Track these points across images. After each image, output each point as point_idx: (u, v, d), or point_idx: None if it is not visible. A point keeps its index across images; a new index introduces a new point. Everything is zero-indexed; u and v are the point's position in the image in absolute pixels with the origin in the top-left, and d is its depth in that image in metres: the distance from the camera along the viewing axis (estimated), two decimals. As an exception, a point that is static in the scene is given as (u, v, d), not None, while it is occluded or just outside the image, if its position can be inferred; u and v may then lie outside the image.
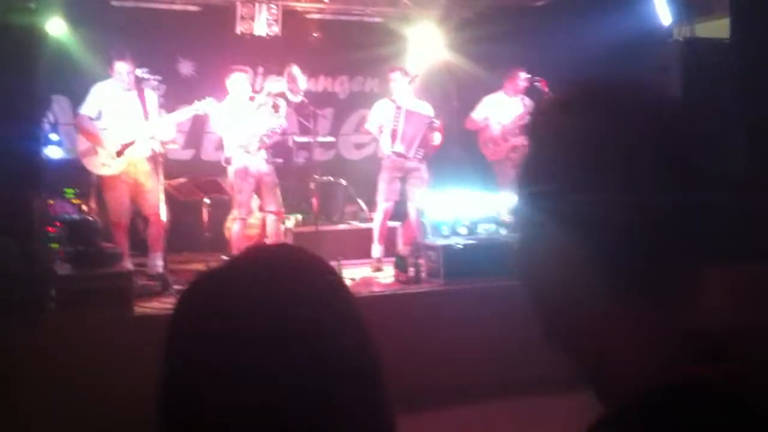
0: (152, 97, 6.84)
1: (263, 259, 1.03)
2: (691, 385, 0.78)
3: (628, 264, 0.81)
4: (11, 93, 6.14)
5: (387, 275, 6.90)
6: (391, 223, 7.68)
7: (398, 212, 7.61)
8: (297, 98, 7.04)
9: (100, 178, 6.85)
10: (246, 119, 6.89)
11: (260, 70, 9.09)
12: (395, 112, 7.30)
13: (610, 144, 0.84)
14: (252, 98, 7.02)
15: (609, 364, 0.85)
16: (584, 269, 0.83)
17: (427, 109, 7.51)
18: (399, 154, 7.29)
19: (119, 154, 6.67)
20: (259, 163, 7.01)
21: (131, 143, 6.69)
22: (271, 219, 7.11)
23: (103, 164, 6.68)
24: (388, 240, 7.55)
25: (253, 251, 1.09)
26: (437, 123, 7.37)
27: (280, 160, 7.41)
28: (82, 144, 6.79)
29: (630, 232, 0.81)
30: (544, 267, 0.88)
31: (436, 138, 7.39)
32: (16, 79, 6.25)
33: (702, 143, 0.86)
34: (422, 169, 7.39)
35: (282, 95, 7.06)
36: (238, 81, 7.04)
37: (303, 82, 7.01)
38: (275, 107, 7.00)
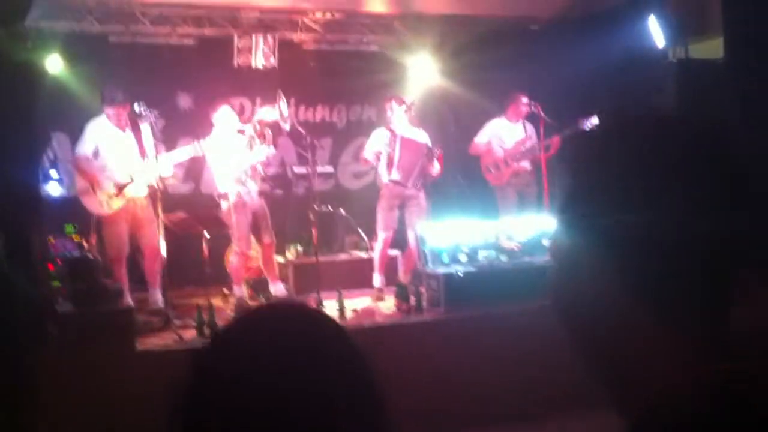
0: (148, 132, 6.82)
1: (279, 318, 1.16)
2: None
3: (681, 286, 0.84)
4: (11, 130, 6.17)
5: (389, 305, 6.89)
6: (392, 252, 7.68)
7: (398, 241, 7.61)
8: (286, 126, 7.04)
9: (99, 215, 6.85)
10: (236, 152, 6.90)
11: (258, 101, 9.14)
12: (392, 140, 7.32)
13: (661, 169, 0.87)
14: (241, 131, 7.02)
15: (649, 385, 0.87)
16: (631, 291, 0.86)
17: (423, 137, 7.54)
18: (397, 182, 7.30)
19: (118, 194, 6.66)
20: (254, 196, 7.02)
21: (129, 183, 6.69)
22: (267, 251, 7.12)
23: (101, 203, 6.66)
24: (389, 269, 7.55)
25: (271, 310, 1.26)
26: (437, 152, 7.38)
27: (279, 191, 7.43)
28: (80, 183, 6.77)
29: (688, 254, 0.83)
30: (587, 290, 0.91)
31: (436, 167, 7.40)
32: (15, 116, 6.29)
33: (751, 164, 0.89)
34: (421, 196, 7.39)
35: (275, 124, 7.07)
36: (224, 114, 7.05)
37: (285, 110, 6.99)
38: (262, 137, 6.99)
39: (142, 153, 6.75)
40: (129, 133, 6.80)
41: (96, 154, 6.70)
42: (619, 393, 0.91)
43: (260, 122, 7.03)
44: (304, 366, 1.04)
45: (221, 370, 1.06)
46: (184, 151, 7.01)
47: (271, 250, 7.16)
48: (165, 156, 6.81)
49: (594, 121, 7.83)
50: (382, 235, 7.35)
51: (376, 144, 7.46)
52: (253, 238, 7.17)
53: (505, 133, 8.35)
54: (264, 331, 1.10)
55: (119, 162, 6.72)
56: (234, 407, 1.01)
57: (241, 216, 6.88)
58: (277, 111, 6.93)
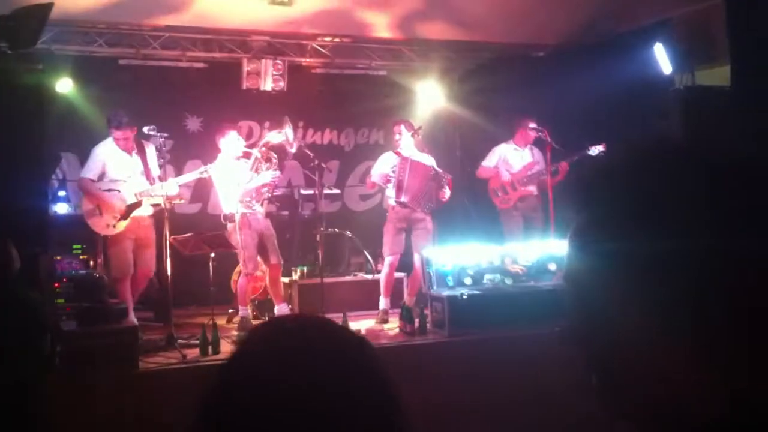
0: (153, 155, 6.90)
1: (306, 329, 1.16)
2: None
3: (703, 308, 0.85)
4: (22, 151, 6.26)
5: (393, 326, 6.89)
6: (397, 274, 7.69)
7: (405, 263, 7.62)
8: (291, 150, 7.12)
9: (105, 235, 6.88)
10: (242, 175, 6.97)
11: (266, 124, 9.22)
12: (401, 164, 7.37)
13: (682, 194, 0.89)
14: (247, 154, 7.09)
15: (672, 404, 0.88)
16: (647, 316, 0.87)
17: (430, 161, 7.58)
18: (404, 205, 7.33)
19: (124, 216, 6.70)
20: (258, 218, 7.08)
21: (136, 205, 6.72)
22: (274, 271, 7.15)
23: (107, 225, 6.70)
24: (395, 291, 7.55)
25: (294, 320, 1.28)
26: (446, 177, 7.43)
27: (285, 213, 7.46)
28: (87, 205, 6.80)
29: (710, 278, 0.85)
30: (606, 314, 0.92)
31: (446, 192, 7.44)
32: (26, 137, 6.38)
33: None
34: (428, 220, 7.41)
35: (281, 148, 7.14)
36: (231, 139, 7.13)
37: (291, 132, 7.08)
38: (268, 160, 7.07)
39: (148, 175, 6.81)
40: (135, 156, 6.86)
41: (102, 176, 6.75)
42: (639, 417, 0.92)
43: (266, 145, 7.10)
44: (328, 374, 1.05)
45: (246, 380, 1.06)
46: (191, 175, 7.08)
47: (277, 271, 7.19)
48: (172, 180, 6.86)
49: (600, 147, 7.87)
50: (388, 259, 7.37)
51: (383, 167, 7.51)
52: (260, 259, 7.20)
53: (513, 158, 8.39)
54: (289, 340, 1.11)
55: (125, 184, 6.76)
56: (259, 416, 1.01)
57: (248, 237, 6.92)
58: (284, 135, 7.00)
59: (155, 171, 6.81)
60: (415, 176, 7.36)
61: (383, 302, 7.38)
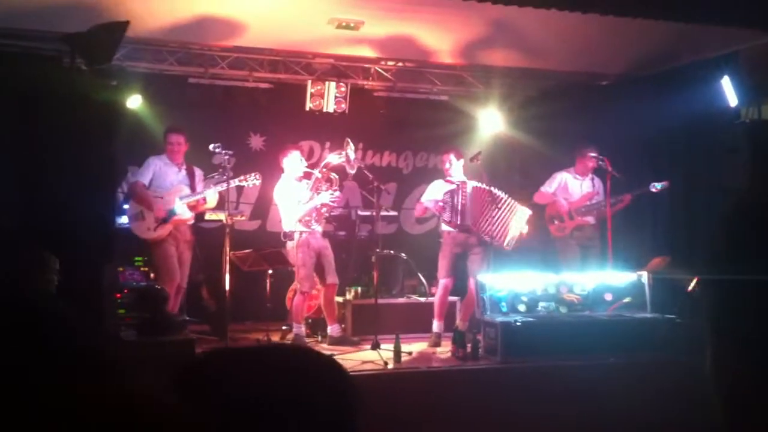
0: (200, 177, 7.25)
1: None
2: None
3: None
4: (94, 164, 6.47)
5: (445, 350, 6.88)
6: (451, 298, 7.69)
7: (459, 288, 7.62)
8: (351, 171, 7.24)
9: (147, 242, 7.09)
10: (302, 195, 7.10)
11: (327, 144, 9.35)
12: (457, 190, 7.38)
13: None
14: (308, 174, 7.23)
15: None
16: None
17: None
18: (460, 228, 7.33)
19: (165, 219, 6.97)
20: (318, 237, 7.18)
21: (176, 210, 7.05)
22: (330, 291, 7.23)
23: (149, 228, 7.00)
24: (448, 315, 7.55)
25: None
26: (513, 206, 7.42)
27: (342, 233, 7.55)
28: (132, 209, 7.16)
29: None
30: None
31: (524, 228, 7.42)
32: (98, 150, 6.59)
33: None
34: (483, 246, 7.40)
35: (341, 169, 7.26)
36: (293, 158, 7.31)
37: (352, 155, 7.22)
38: (328, 181, 7.21)
39: (193, 190, 7.19)
40: (183, 172, 7.27)
41: (150, 183, 7.17)
42: None
43: (327, 166, 7.23)
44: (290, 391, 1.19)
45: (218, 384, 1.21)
46: (225, 185, 7.26)
47: (333, 290, 7.27)
48: (212, 189, 7.09)
49: (664, 185, 7.79)
50: (442, 281, 7.38)
51: (433, 193, 7.54)
52: (316, 278, 7.29)
53: (573, 186, 8.34)
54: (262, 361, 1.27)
55: (170, 192, 7.13)
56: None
57: (306, 256, 7.03)
58: (343, 156, 7.12)
59: (200, 188, 7.22)
60: (471, 202, 7.37)
61: (436, 325, 7.38)
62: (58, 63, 7.01)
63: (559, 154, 8.58)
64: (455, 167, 7.54)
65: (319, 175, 7.18)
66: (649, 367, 5.95)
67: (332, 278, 7.22)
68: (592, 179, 8.35)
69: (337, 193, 7.28)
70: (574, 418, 5.44)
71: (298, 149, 7.53)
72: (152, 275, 7.19)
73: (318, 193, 7.16)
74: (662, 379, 5.69)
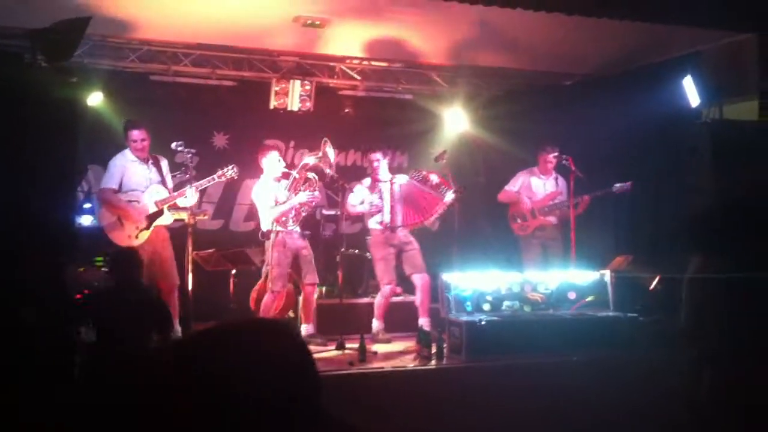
0: (166, 167, 7.04)
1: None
2: None
3: None
4: (51, 162, 6.34)
5: (409, 349, 6.85)
6: (399, 298, 7.73)
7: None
8: (329, 171, 7.21)
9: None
10: (281, 195, 7.05)
11: (292, 143, 9.29)
12: (382, 189, 7.45)
13: None
14: (286, 174, 7.18)
15: None
16: None
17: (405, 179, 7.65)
18: (393, 228, 7.37)
19: (147, 226, 6.79)
20: (295, 237, 7.13)
21: (158, 213, 6.83)
22: (308, 291, 7.18)
23: (129, 236, 6.79)
24: (410, 313, 7.50)
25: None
26: (417, 173, 7.51)
27: (307, 233, 7.50)
28: (108, 218, 6.90)
29: None
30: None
31: (447, 196, 7.42)
32: (56, 149, 6.46)
33: None
34: (414, 240, 7.46)
35: (316, 168, 7.22)
36: (272, 158, 7.23)
37: (332, 155, 7.20)
38: (308, 181, 7.18)
39: (164, 183, 6.96)
40: (151, 166, 7.03)
41: (121, 186, 6.91)
42: None
43: (305, 167, 7.19)
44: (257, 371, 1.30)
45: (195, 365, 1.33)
46: (207, 181, 7.13)
47: (312, 290, 7.21)
48: (190, 188, 6.91)
49: (626, 186, 7.86)
50: (389, 288, 7.35)
51: (361, 193, 7.54)
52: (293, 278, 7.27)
53: (536, 185, 8.39)
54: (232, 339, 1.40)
55: (144, 194, 6.91)
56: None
57: (281, 255, 6.99)
58: (322, 156, 7.11)
59: (170, 182, 6.95)
60: (400, 197, 7.46)
61: (377, 324, 7.36)
62: (18, 59, 6.87)
63: (524, 153, 8.62)
64: (383, 166, 7.56)
65: (297, 176, 7.14)
66: (612, 365, 5.99)
67: (311, 278, 7.17)
68: (556, 179, 8.40)
69: (315, 193, 7.24)
70: (538, 416, 5.46)
71: (276, 149, 7.44)
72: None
73: (296, 194, 7.12)
74: (625, 376, 5.73)
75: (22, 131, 6.22)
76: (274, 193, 7.11)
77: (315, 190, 7.24)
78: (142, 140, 6.97)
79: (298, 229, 7.23)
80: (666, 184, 8.00)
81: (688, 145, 7.55)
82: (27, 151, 6.23)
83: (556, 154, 8.13)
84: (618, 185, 7.91)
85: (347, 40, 8.00)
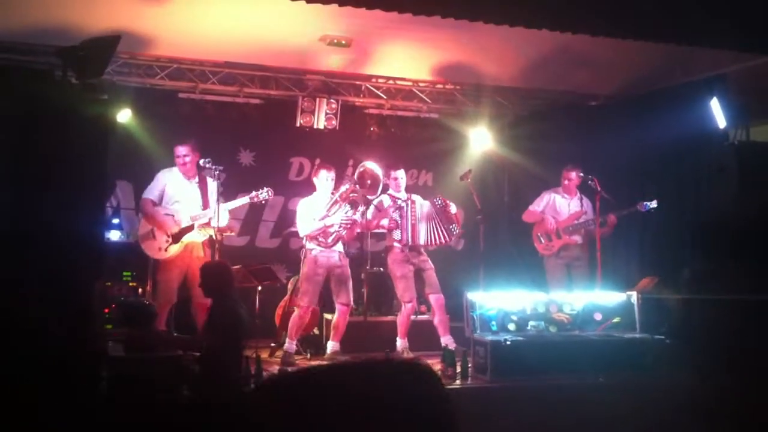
0: (213, 186, 7.11)
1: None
2: None
3: None
4: (81, 178, 6.42)
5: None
6: (423, 317, 7.71)
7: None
8: (376, 194, 7.25)
9: (156, 260, 7.05)
10: (321, 213, 7.11)
11: (317, 161, 9.34)
12: (401, 206, 7.47)
13: None
14: (333, 194, 7.23)
15: None
16: None
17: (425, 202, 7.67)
18: (410, 246, 7.39)
19: (177, 239, 6.89)
20: (331, 256, 7.15)
21: (188, 229, 6.93)
22: (341, 312, 7.17)
23: (160, 249, 6.90)
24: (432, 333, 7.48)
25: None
26: (439, 200, 7.51)
27: (344, 252, 7.54)
28: (143, 228, 7.05)
29: None
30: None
31: (452, 207, 7.51)
32: (86, 165, 6.55)
33: None
34: (429, 260, 7.47)
35: (357, 192, 7.26)
36: (324, 178, 7.29)
37: (381, 178, 7.25)
38: (350, 201, 7.22)
39: (205, 203, 7.02)
40: (195, 184, 7.12)
41: (161, 199, 7.02)
42: None
43: (349, 190, 7.22)
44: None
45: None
46: (240, 201, 7.24)
47: (345, 311, 7.19)
48: (222, 206, 7.01)
49: (653, 204, 7.82)
50: (410, 305, 7.33)
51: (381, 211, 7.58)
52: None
53: (561, 205, 8.37)
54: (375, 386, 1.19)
55: (181, 206, 7.00)
56: None
57: (310, 272, 7.02)
58: (372, 182, 7.18)
59: (212, 204, 7.03)
60: (421, 217, 7.46)
61: (400, 343, 7.35)
62: (49, 77, 6.98)
63: (548, 173, 8.62)
64: (403, 182, 7.59)
65: (338, 198, 7.18)
66: (639, 387, 5.94)
67: (343, 298, 7.14)
68: (581, 199, 8.38)
69: (352, 215, 7.23)
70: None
71: (327, 168, 7.45)
72: (140, 290, 7.14)
73: (334, 214, 7.16)
74: (651, 398, 5.68)
75: (53, 148, 6.32)
76: (315, 211, 7.16)
77: (356, 213, 7.24)
78: (185, 156, 7.08)
79: (339, 249, 7.24)
80: (692, 206, 7.96)
81: (715, 166, 7.51)
82: (58, 168, 6.32)
83: (577, 173, 8.13)
84: (646, 204, 7.86)
85: (372, 59, 8.06)
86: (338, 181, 7.41)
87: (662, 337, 6.58)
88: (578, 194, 8.38)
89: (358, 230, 7.72)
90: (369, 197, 7.29)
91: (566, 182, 8.29)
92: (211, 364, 5.43)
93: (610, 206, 7.93)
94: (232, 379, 5.44)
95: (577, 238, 8.26)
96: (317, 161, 9.31)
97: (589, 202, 8.24)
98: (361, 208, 7.26)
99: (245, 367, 5.74)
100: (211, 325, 5.58)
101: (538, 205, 8.45)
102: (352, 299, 7.25)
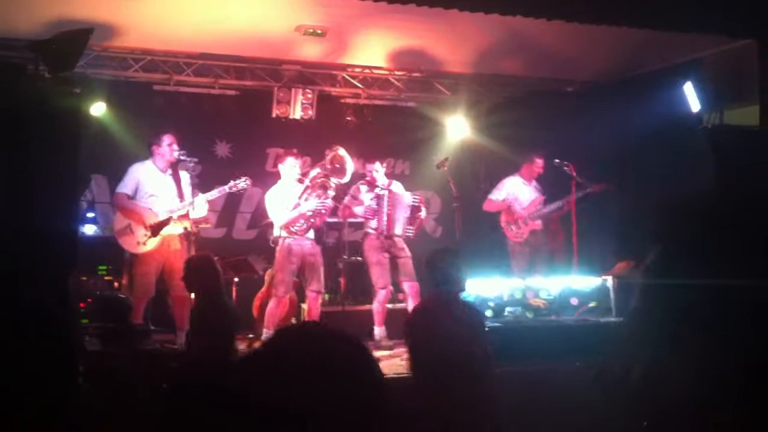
0: (186, 177, 7.07)
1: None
2: None
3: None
4: (54, 172, 6.36)
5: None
6: (401, 305, 7.74)
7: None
8: (344, 179, 7.22)
9: (133, 254, 7.01)
10: (293, 201, 7.08)
11: (294, 151, 9.30)
12: (379, 195, 7.53)
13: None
14: (301, 181, 7.21)
15: None
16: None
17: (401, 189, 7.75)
18: (385, 234, 7.44)
19: (154, 232, 6.84)
20: (304, 244, 7.14)
21: (166, 221, 6.88)
22: (311, 298, 7.19)
23: (138, 243, 6.85)
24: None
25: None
26: (417, 199, 7.57)
27: (331, 241, 7.56)
28: (119, 223, 6.98)
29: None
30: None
31: (422, 212, 7.61)
32: (59, 159, 6.49)
33: None
34: (406, 248, 7.51)
35: (327, 177, 7.23)
36: (290, 165, 7.26)
37: (350, 165, 7.21)
38: (323, 188, 7.18)
39: (180, 195, 6.98)
40: (169, 176, 7.05)
41: (135, 194, 6.94)
42: None
43: (317, 176, 7.20)
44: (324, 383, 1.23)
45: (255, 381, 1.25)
46: (217, 192, 7.20)
47: (315, 297, 7.21)
48: (201, 197, 6.98)
49: (603, 186, 7.95)
50: (383, 292, 7.38)
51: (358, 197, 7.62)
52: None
53: (523, 192, 8.46)
54: (295, 350, 1.29)
55: (158, 200, 6.93)
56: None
57: (285, 261, 7.01)
58: (334, 165, 7.14)
59: (187, 195, 6.98)
60: (396, 206, 7.51)
61: (378, 331, 7.37)
62: (20, 70, 6.90)
63: (525, 160, 8.65)
64: (380, 174, 7.60)
65: (309, 183, 7.16)
66: (615, 371, 5.98)
67: (315, 285, 7.16)
68: (536, 185, 8.49)
69: (328, 202, 7.24)
70: (541, 422, 5.46)
71: (293, 155, 7.45)
72: (116, 284, 7.10)
73: (306, 201, 7.13)
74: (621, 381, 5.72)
75: (25, 142, 6.25)
76: (286, 200, 7.13)
77: (327, 199, 7.23)
78: (171, 144, 7.03)
79: (311, 236, 7.23)
80: (667, 190, 8.01)
81: (689, 150, 7.56)
82: (29, 162, 6.26)
83: (543, 160, 8.29)
84: (595, 185, 7.94)
85: (346, 48, 8.03)
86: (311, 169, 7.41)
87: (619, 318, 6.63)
88: (533, 180, 8.54)
89: (339, 219, 7.73)
90: (336, 180, 7.24)
91: (532, 168, 8.38)
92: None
93: (567, 191, 8.06)
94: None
95: (539, 224, 8.37)
96: (293, 151, 9.29)
97: (539, 186, 8.46)
98: (331, 193, 7.24)
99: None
100: (198, 324, 5.51)
101: (500, 194, 8.50)
102: (323, 286, 7.26)
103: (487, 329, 4.99)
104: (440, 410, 4.18)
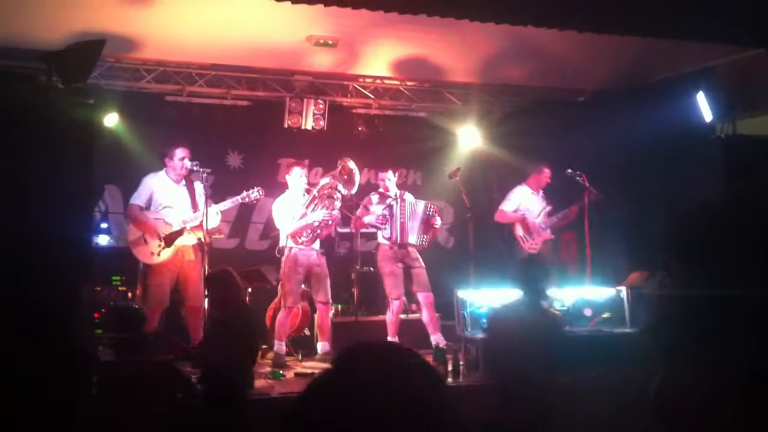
0: (200, 188, 7.10)
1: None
2: None
3: None
4: (68, 183, 6.39)
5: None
6: (414, 315, 7.71)
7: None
8: (352, 191, 7.22)
9: (147, 265, 7.02)
10: (300, 211, 7.08)
11: (306, 162, 9.32)
12: (392, 204, 7.52)
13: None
14: (308, 191, 7.22)
15: None
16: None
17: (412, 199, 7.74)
18: (399, 244, 7.40)
19: (168, 243, 6.86)
20: (310, 254, 7.13)
21: (180, 232, 6.90)
22: (321, 309, 7.18)
23: (152, 253, 6.87)
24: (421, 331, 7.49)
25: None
26: (432, 208, 7.55)
27: (321, 250, 7.53)
28: (133, 234, 7.00)
29: None
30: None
31: (437, 222, 7.58)
32: (73, 169, 6.52)
33: None
34: (419, 258, 7.49)
35: (335, 187, 7.24)
36: (297, 175, 7.28)
37: (357, 175, 7.22)
38: (329, 197, 7.19)
39: (194, 206, 7.00)
40: (183, 187, 7.08)
41: (150, 204, 6.97)
42: None
43: (325, 186, 7.21)
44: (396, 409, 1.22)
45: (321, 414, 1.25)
46: (230, 202, 7.22)
47: (325, 309, 7.20)
48: (214, 207, 7.00)
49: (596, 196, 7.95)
50: (397, 302, 7.36)
51: (375, 208, 7.61)
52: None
53: (532, 202, 8.47)
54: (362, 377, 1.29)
55: (172, 211, 6.95)
56: None
57: (291, 271, 7.01)
58: (343, 175, 7.14)
59: (201, 206, 7.00)
60: (409, 215, 7.50)
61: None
62: (34, 81, 6.95)
63: (534, 169, 8.64)
64: (392, 183, 7.60)
65: (316, 194, 7.17)
66: (630, 382, 5.94)
67: (322, 296, 7.16)
68: (543, 194, 8.53)
69: (335, 212, 7.25)
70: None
71: (301, 165, 7.47)
72: (129, 294, 7.12)
73: (313, 211, 7.14)
74: (643, 393, 5.68)
75: (39, 153, 6.29)
76: (293, 209, 7.13)
77: (334, 210, 7.23)
78: (184, 158, 7.06)
79: (317, 247, 7.23)
80: (678, 199, 7.98)
81: (702, 160, 7.53)
82: (43, 173, 6.29)
83: (548, 171, 8.37)
84: (593, 192, 8.02)
85: (357, 59, 8.05)
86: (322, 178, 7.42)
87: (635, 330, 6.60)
88: (540, 190, 8.57)
89: (352, 230, 7.73)
90: (344, 191, 7.24)
91: (542, 178, 8.39)
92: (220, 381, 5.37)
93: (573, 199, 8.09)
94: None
95: (549, 233, 8.37)
96: (305, 162, 9.31)
97: (545, 196, 8.47)
98: (337, 204, 7.24)
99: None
100: (221, 336, 5.50)
101: (511, 205, 8.48)
102: (330, 296, 7.25)
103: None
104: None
